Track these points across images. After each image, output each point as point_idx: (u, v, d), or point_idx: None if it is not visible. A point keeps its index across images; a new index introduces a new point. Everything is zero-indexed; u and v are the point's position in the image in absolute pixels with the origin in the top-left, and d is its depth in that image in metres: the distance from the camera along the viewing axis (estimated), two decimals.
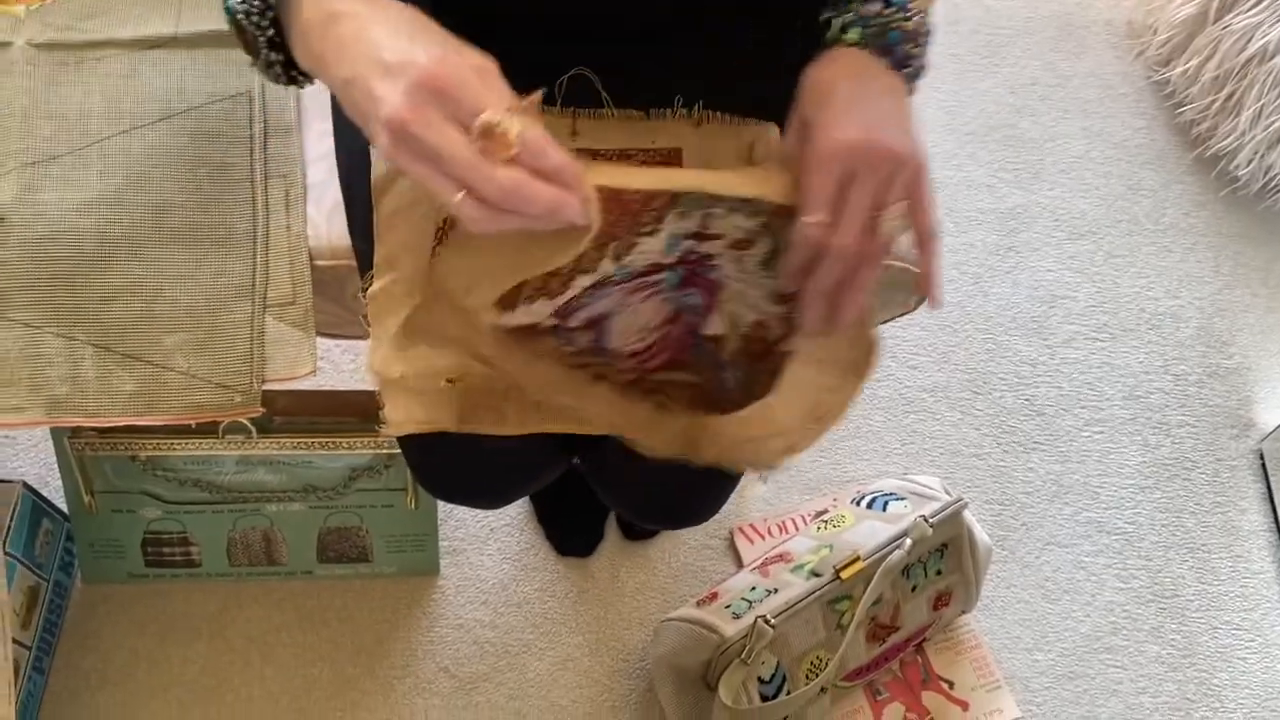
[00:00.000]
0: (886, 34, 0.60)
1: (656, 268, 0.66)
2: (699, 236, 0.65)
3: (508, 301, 0.66)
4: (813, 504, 1.38)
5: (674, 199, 0.62)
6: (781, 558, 1.21)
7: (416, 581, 1.29)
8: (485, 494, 0.95)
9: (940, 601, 1.23)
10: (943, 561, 1.20)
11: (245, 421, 1.09)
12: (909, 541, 1.14)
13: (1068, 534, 1.39)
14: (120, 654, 1.24)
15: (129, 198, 0.92)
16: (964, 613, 1.28)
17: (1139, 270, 1.58)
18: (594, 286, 0.67)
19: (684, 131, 0.69)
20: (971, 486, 1.41)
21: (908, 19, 0.60)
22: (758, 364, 0.70)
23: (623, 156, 0.69)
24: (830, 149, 0.54)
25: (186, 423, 0.91)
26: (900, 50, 0.60)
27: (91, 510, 1.21)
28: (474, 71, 0.47)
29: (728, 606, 1.16)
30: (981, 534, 1.22)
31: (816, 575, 1.14)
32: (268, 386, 0.92)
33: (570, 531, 1.32)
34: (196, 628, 1.26)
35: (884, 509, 1.22)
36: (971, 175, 1.61)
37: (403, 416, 0.68)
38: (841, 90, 0.56)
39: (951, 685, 1.28)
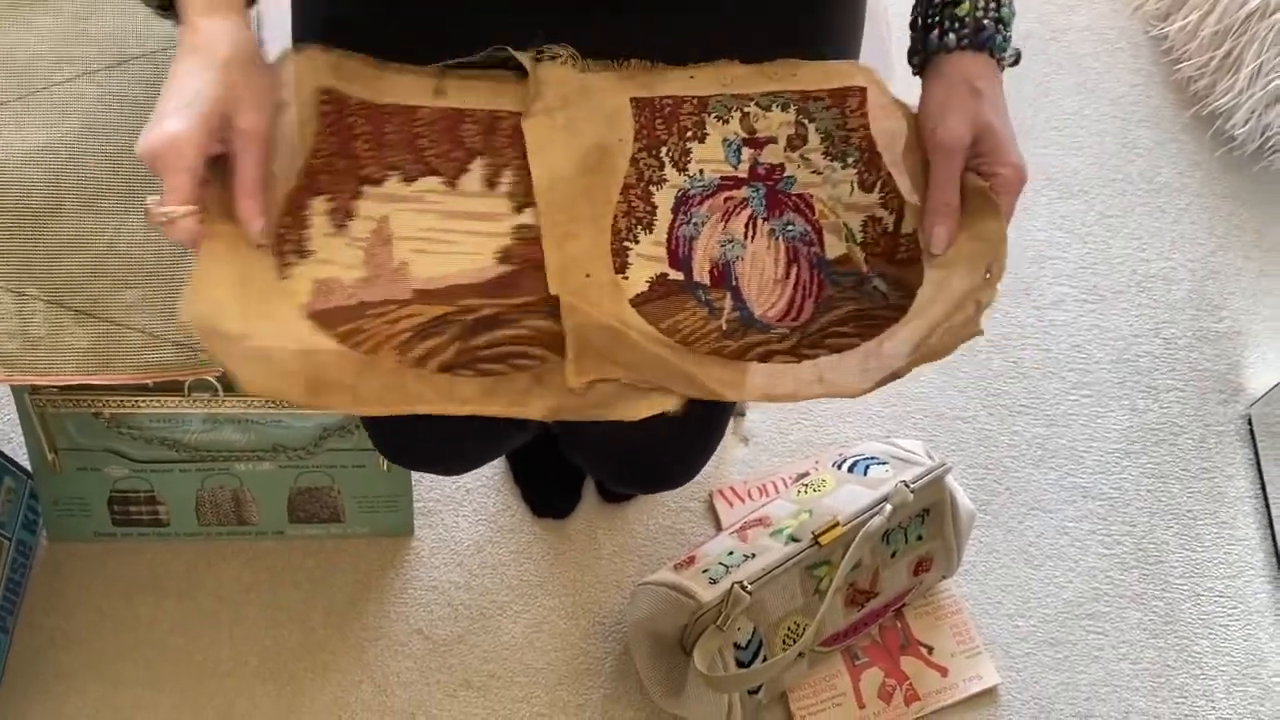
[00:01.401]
0: (980, 33, 0.68)
1: (733, 181, 0.70)
2: (754, 143, 0.71)
3: (617, 250, 0.68)
4: (793, 466, 1.36)
5: (702, 102, 0.71)
6: (760, 522, 1.19)
7: (389, 543, 1.27)
8: (442, 459, 0.92)
9: (920, 567, 1.21)
10: (924, 527, 1.18)
11: (211, 379, 1.06)
12: (889, 507, 1.11)
13: (1052, 499, 1.37)
14: (87, 613, 1.22)
15: (82, 146, 0.88)
16: (944, 578, 1.27)
17: (1131, 231, 1.54)
18: (679, 205, 0.70)
19: (567, 79, 0.70)
20: (956, 450, 1.39)
21: (999, 13, 0.68)
22: (895, 259, 0.71)
23: (492, 117, 0.70)
24: (949, 144, 0.67)
25: (144, 382, 0.88)
26: (998, 40, 0.68)
27: (55, 468, 1.18)
28: (159, 160, 0.58)
29: (705, 571, 1.14)
30: (964, 499, 1.20)
31: (795, 540, 1.12)
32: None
33: (547, 493, 1.29)
34: (165, 587, 1.24)
35: (865, 473, 1.20)
36: None
37: (249, 376, 0.65)
38: (953, 99, 0.68)
39: (931, 650, 1.27)
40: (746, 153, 0.71)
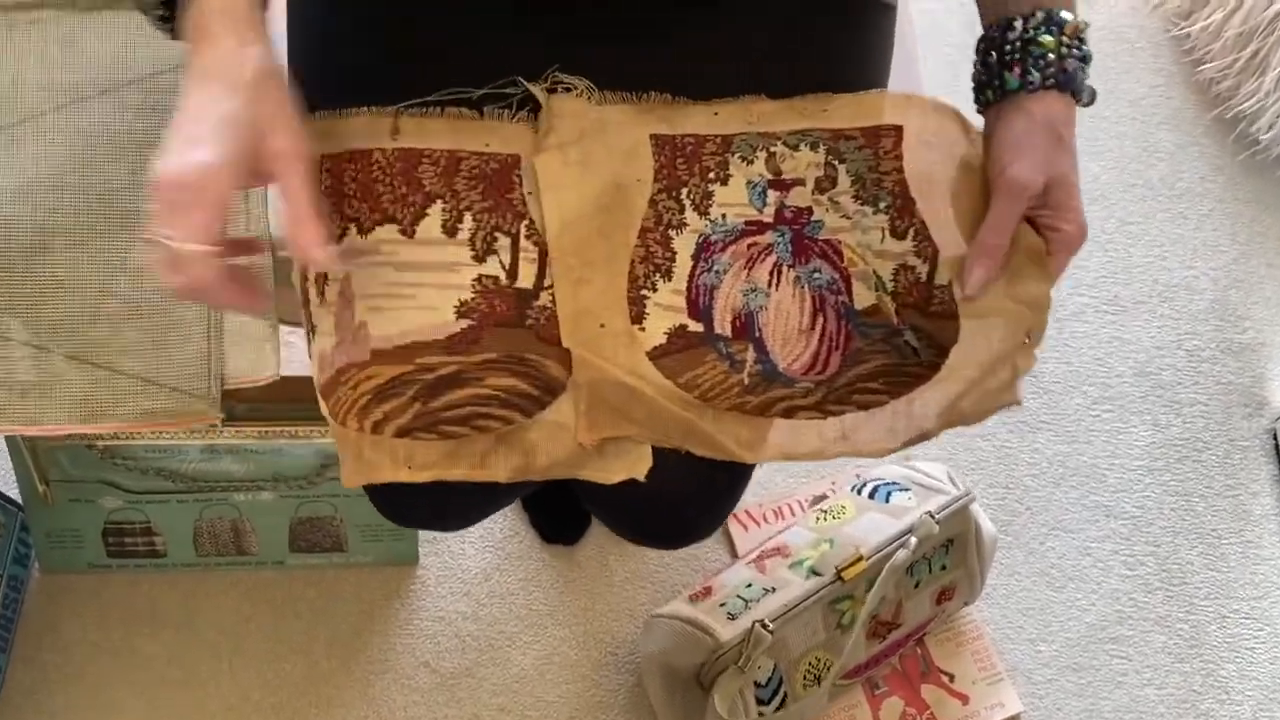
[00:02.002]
0: (1065, 73, 0.64)
1: (757, 226, 0.66)
2: (780, 185, 0.67)
3: (634, 299, 0.65)
4: (809, 488, 1.32)
5: (726, 141, 0.66)
6: (779, 551, 1.15)
7: (394, 571, 1.23)
8: (436, 518, 0.88)
9: (943, 596, 1.17)
10: (947, 557, 1.14)
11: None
12: (914, 540, 1.08)
13: (1074, 519, 1.34)
14: (83, 647, 1.18)
15: (69, 181, 0.83)
16: (966, 604, 1.23)
17: (1152, 239, 1.50)
18: (700, 252, 0.66)
19: (523, 135, 0.66)
20: (975, 468, 1.35)
21: (1081, 51, 0.64)
22: (928, 312, 0.67)
23: (452, 158, 0.66)
24: (1018, 186, 0.63)
25: (138, 430, 0.84)
26: (1080, 79, 0.64)
27: (47, 500, 1.14)
28: (186, 192, 0.53)
29: (722, 605, 1.10)
30: (988, 525, 1.16)
31: (816, 574, 1.09)
32: (228, 388, 0.84)
33: (555, 518, 1.25)
34: (162, 619, 1.20)
35: (886, 500, 1.16)
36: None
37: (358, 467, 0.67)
38: (1032, 140, 0.64)
39: (952, 678, 1.24)
40: (772, 195, 0.67)
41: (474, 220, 0.66)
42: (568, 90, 0.67)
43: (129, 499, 1.14)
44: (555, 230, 0.65)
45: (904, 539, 1.08)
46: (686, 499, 0.82)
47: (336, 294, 0.67)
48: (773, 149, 0.67)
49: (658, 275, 0.66)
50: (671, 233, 0.66)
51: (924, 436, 0.68)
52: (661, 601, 1.22)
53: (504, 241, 0.66)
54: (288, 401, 1.07)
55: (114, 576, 1.21)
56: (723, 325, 0.66)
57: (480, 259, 0.66)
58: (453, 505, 0.85)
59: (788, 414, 0.66)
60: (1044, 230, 0.66)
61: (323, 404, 0.68)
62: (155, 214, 0.53)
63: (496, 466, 0.67)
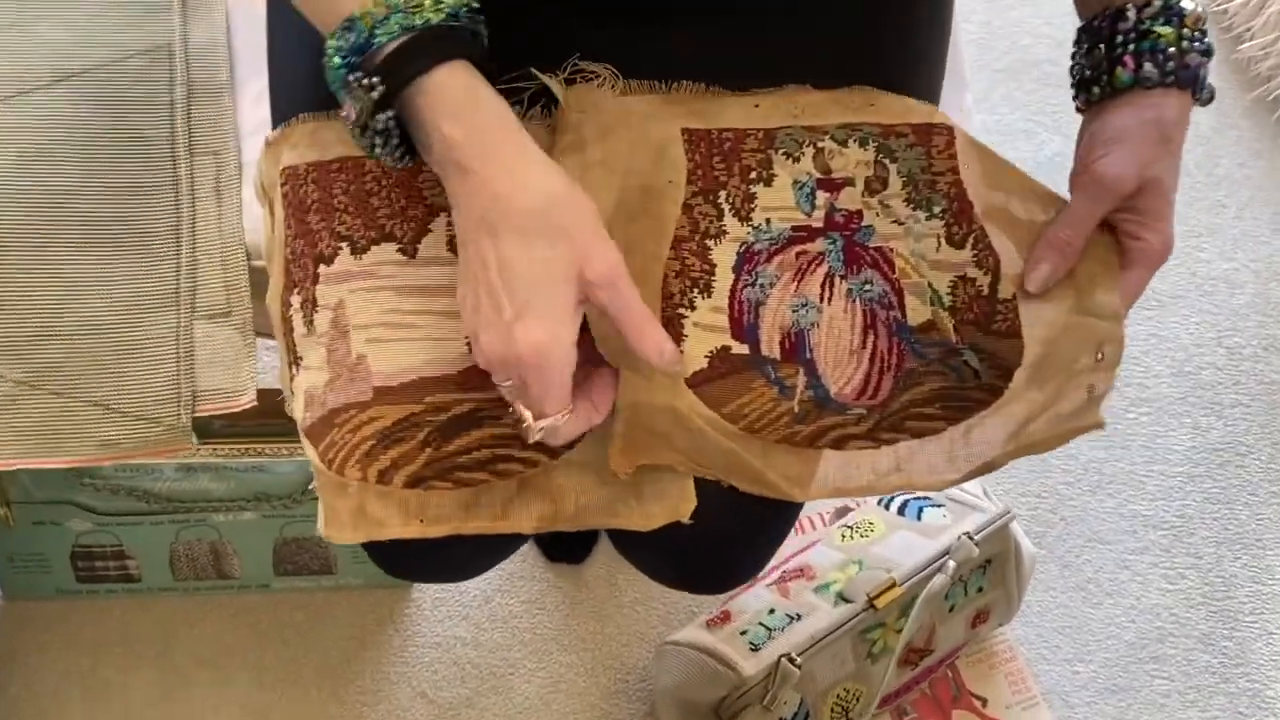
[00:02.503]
0: (1186, 69, 0.57)
1: (806, 232, 0.60)
2: (829, 185, 0.61)
3: (669, 319, 0.58)
4: (831, 500, 1.24)
5: (769, 136, 0.60)
6: (802, 573, 1.07)
7: (387, 594, 1.16)
8: (442, 571, 0.79)
9: (978, 619, 1.10)
10: (985, 578, 1.06)
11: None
12: (953, 564, 1.00)
13: (1111, 529, 1.26)
14: (50, 678, 1.11)
15: (17, 184, 0.74)
16: (1001, 625, 1.16)
17: (1190, 229, 1.42)
18: (743, 263, 0.59)
19: (537, 135, 0.58)
20: (1006, 475, 1.27)
21: (1204, 44, 0.58)
22: (990, 329, 0.60)
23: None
24: (1107, 181, 0.57)
25: (101, 464, 0.75)
26: (1202, 76, 0.58)
27: (9, 523, 1.05)
28: (546, 367, 0.51)
29: (743, 633, 1.02)
30: (1027, 544, 1.09)
31: (845, 600, 1.01)
32: (200, 415, 0.76)
33: (560, 536, 1.17)
34: (138, 649, 1.12)
35: (918, 517, 1.08)
36: (1006, 120, 1.44)
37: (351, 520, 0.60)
38: (1134, 136, 0.58)
39: (985, 703, 1.16)
40: (821, 197, 0.61)
41: None
42: (588, 80, 0.60)
43: (98, 521, 1.06)
44: None
45: (941, 563, 1.00)
46: (730, 538, 0.74)
47: (329, 323, 0.60)
48: (820, 144, 0.61)
49: (695, 291, 0.59)
50: (710, 242, 0.60)
51: (989, 467, 0.61)
52: (675, 626, 1.14)
53: None
54: (269, 416, 0.98)
55: (84, 603, 1.13)
56: (770, 346, 0.59)
57: None
58: (461, 556, 0.76)
59: (838, 444, 0.59)
60: (1123, 238, 0.59)
61: (310, 449, 0.61)
62: (510, 393, 0.53)
63: (520, 516, 0.60)
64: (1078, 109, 0.62)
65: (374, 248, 0.59)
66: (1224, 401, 1.34)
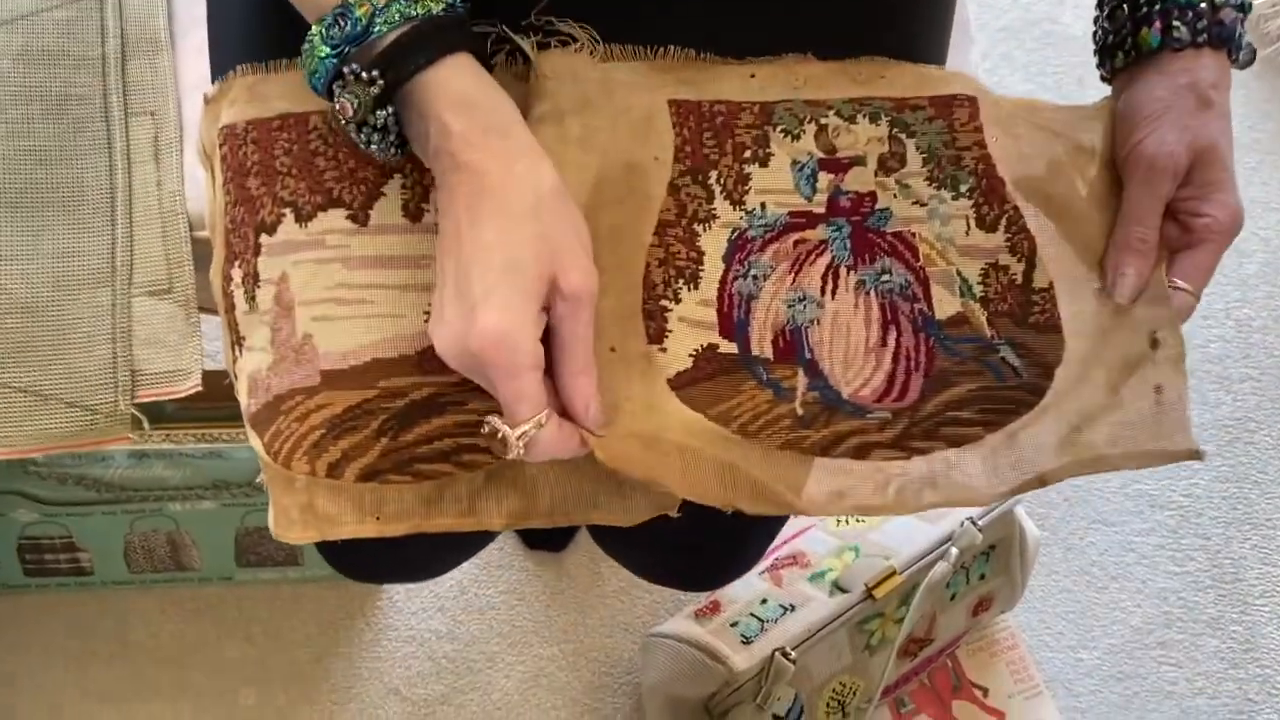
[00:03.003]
0: (1221, 26, 0.53)
1: (805, 218, 0.54)
2: (834, 165, 0.55)
3: (651, 312, 0.52)
4: None
5: (765, 110, 0.55)
6: (795, 560, 1.02)
7: (358, 586, 1.10)
8: (402, 573, 0.73)
9: (980, 607, 1.05)
10: (988, 565, 1.01)
11: (133, 410, 0.87)
12: (955, 551, 0.94)
13: (1116, 510, 1.21)
14: None
15: None
16: (1003, 613, 1.10)
17: None
18: (734, 252, 0.54)
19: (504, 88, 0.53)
20: None
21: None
22: (1027, 322, 0.55)
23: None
24: (1159, 162, 0.53)
25: (32, 455, 0.69)
26: (1239, 34, 0.54)
27: None
28: (504, 360, 0.45)
29: (734, 625, 0.96)
30: (1032, 529, 1.03)
31: (841, 589, 0.95)
32: (141, 401, 0.69)
33: None
34: (91, 647, 1.07)
35: None
36: (1006, 81, 1.37)
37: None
38: (1175, 107, 0.54)
39: (986, 693, 1.11)
40: (824, 179, 0.55)
41: None
42: (564, 43, 0.54)
43: (46, 511, 1.00)
44: None
45: (943, 550, 0.95)
46: (721, 534, 0.68)
47: (271, 299, 0.54)
48: (824, 120, 0.55)
49: (681, 282, 0.53)
50: (698, 227, 0.54)
51: (1041, 481, 0.55)
52: (662, 616, 1.09)
53: None
54: (223, 399, 0.92)
55: (32, 598, 1.07)
56: (761, 345, 0.53)
57: None
58: (423, 555, 0.70)
59: (860, 453, 0.53)
60: (1186, 218, 0.54)
61: (254, 439, 0.55)
62: (493, 390, 0.47)
63: (488, 511, 0.55)
64: (1102, 78, 0.57)
65: (320, 214, 0.53)
66: (1233, 375, 1.28)
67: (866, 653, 0.96)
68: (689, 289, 0.53)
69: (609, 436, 0.50)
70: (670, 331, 0.52)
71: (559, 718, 1.07)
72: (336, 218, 0.53)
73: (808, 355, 0.53)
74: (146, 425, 0.93)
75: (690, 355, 0.52)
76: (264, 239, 0.54)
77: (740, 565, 0.72)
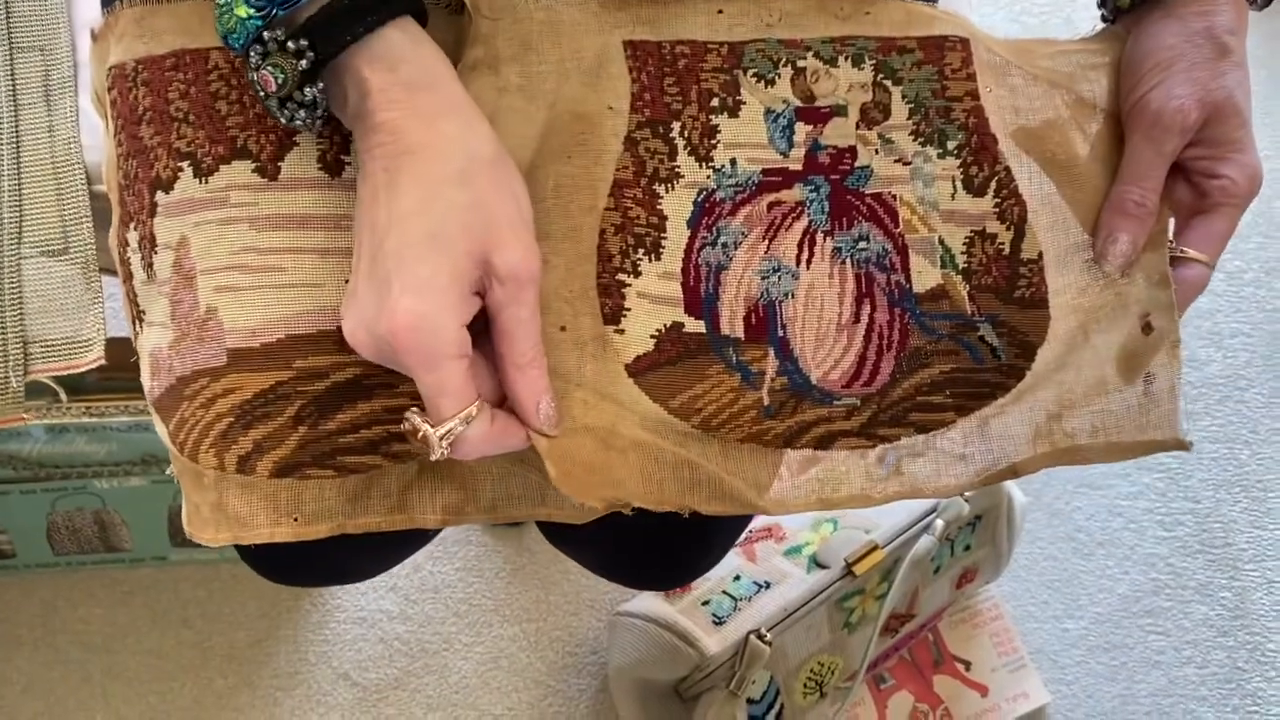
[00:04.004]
0: None
1: (780, 176, 0.48)
2: (812, 115, 0.49)
3: (606, 287, 0.47)
4: None
5: (735, 51, 0.49)
6: (770, 533, 0.96)
7: None
8: (332, 576, 0.66)
9: (964, 578, 1.00)
10: (974, 536, 0.96)
11: (47, 380, 0.80)
12: (940, 524, 0.88)
13: (1101, 473, 1.17)
14: None
15: None
16: (987, 583, 1.05)
17: None
18: (701, 216, 0.48)
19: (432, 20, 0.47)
20: None
21: None
22: (1012, 297, 0.50)
23: None
24: (1166, 116, 0.47)
25: None
26: None
27: None
28: (423, 349, 0.40)
29: (705, 604, 0.91)
30: (1019, 496, 0.98)
31: (820, 565, 0.90)
32: (36, 378, 0.62)
33: None
34: (15, 634, 1.00)
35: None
36: (990, 19, 1.30)
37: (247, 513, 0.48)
38: (1185, 55, 0.48)
39: (968, 666, 1.06)
40: (801, 130, 0.49)
41: None
42: None
43: None
44: None
45: (927, 522, 0.89)
46: (680, 529, 0.61)
47: (170, 267, 0.47)
48: (801, 63, 0.49)
49: (640, 252, 0.47)
50: (659, 187, 0.48)
51: (1013, 472, 0.50)
52: (629, 594, 1.03)
53: None
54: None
55: None
56: (733, 323, 0.47)
57: None
58: (351, 558, 0.63)
59: (823, 444, 0.48)
60: (1198, 179, 0.49)
61: (160, 426, 0.49)
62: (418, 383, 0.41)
63: (421, 508, 0.49)
64: (1104, 19, 0.51)
65: (223, 167, 0.46)
66: (1223, 331, 1.23)
67: (845, 630, 0.91)
68: (649, 259, 0.47)
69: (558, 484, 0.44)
70: (628, 310, 0.46)
71: (520, 701, 1.01)
72: (241, 171, 0.46)
73: (780, 333, 0.47)
74: (63, 396, 0.86)
75: (652, 336, 0.46)
76: (160, 197, 0.47)
77: (705, 561, 0.66)
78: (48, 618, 1.00)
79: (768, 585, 0.90)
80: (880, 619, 0.88)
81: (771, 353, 0.47)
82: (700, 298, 0.47)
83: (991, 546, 0.98)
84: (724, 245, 0.47)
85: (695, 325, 0.47)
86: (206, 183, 0.46)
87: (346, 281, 0.45)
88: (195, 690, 0.99)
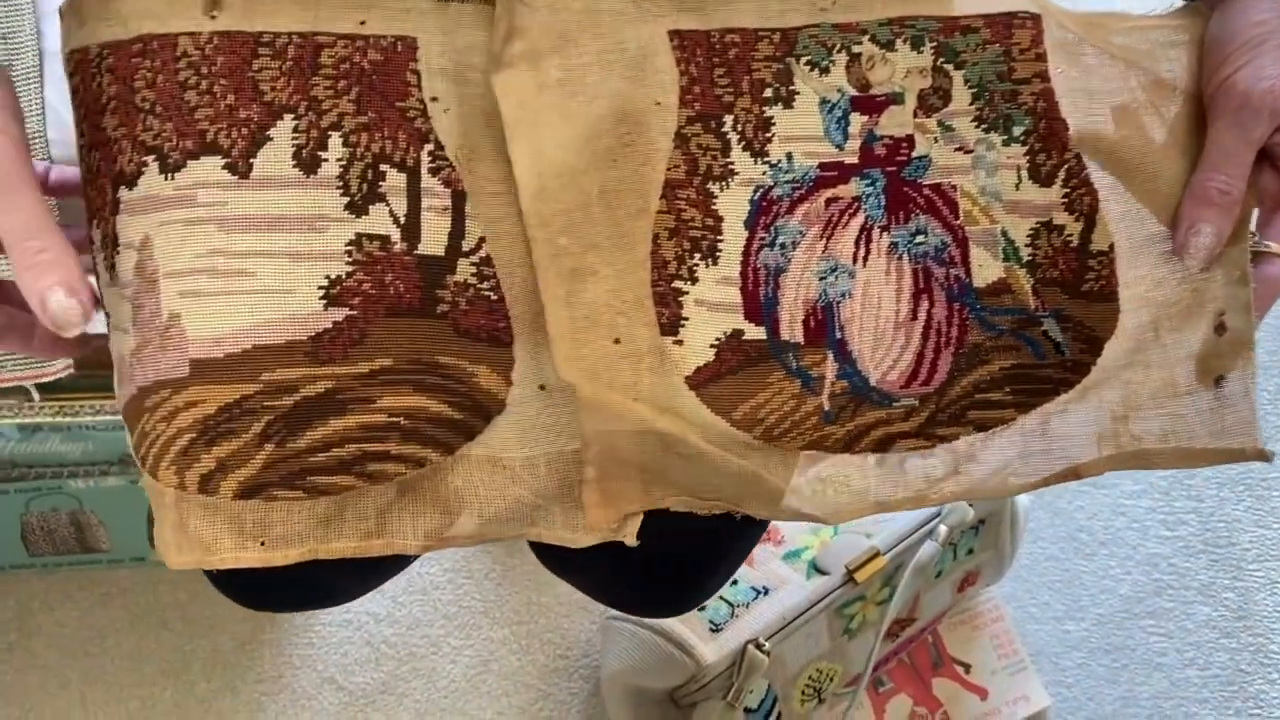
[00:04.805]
0: None
1: (836, 171, 0.46)
2: (868, 105, 0.46)
3: (662, 296, 0.45)
4: None
5: (787, 39, 0.46)
6: (768, 536, 0.93)
7: None
8: (306, 601, 0.64)
9: (966, 582, 0.97)
10: (976, 540, 0.93)
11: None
12: (944, 529, 0.86)
13: None
14: None
15: None
16: (989, 586, 1.03)
17: None
18: (759, 214, 0.45)
19: (421, 4, 0.45)
20: None
21: None
22: (1080, 291, 0.47)
23: (306, 47, 0.45)
24: (1255, 98, 0.44)
25: None
26: None
27: None
28: None
29: (701, 609, 0.88)
30: (1023, 499, 0.96)
31: (820, 571, 0.87)
32: (5, 386, 0.59)
33: None
34: None
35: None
36: None
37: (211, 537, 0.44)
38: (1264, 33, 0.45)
39: (968, 669, 1.04)
40: (857, 122, 0.46)
41: (345, 146, 0.44)
42: None
43: None
44: (532, 191, 0.44)
45: (930, 528, 0.87)
46: (686, 553, 0.59)
47: (133, 269, 0.44)
48: (856, 48, 0.46)
49: (696, 257, 0.45)
50: (713, 186, 0.46)
51: (1074, 474, 0.47)
52: None
53: (395, 179, 0.44)
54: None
55: None
56: (792, 328, 0.45)
57: (359, 208, 0.44)
58: (326, 582, 0.60)
59: (882, 446, 0.46)
60: None
61: (128, 435, 0.46)
62: None
63: (401, 531, 0.46)
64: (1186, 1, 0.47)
65: (191, 163, 0.43)
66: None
67: (846, 637, 0.89)
68: (707, 264, 0.45)
69: (593, 489, 0.45)
70: (686, 320, 0.44)
71: (510, 705, 0.99)
72: (211, 168, 0.43)
73: (838, 335, 0.45)
74: (35, 395, 0.83)
75: (711, 346, 0.44)
76: (122, 193, 0.44)
77: (704, 591, 0.63)
78: (23, 620, 0.97)
79: (766, 591, 0.87)
80: (883, 625, 0.85)
81: (830, 355, 0.45)
82: (760, 302, 0.45)
83: (994, 550, 0.96)
84: (782, 246, 0.45)
85: (755, 332, 0.45)
86: (173, 179, 0.43)
87: (320, 287, 0.43)
88: (176, 695, 0.97)
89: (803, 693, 0.89)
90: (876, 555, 0.85)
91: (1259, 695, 1.09)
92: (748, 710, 0.86)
